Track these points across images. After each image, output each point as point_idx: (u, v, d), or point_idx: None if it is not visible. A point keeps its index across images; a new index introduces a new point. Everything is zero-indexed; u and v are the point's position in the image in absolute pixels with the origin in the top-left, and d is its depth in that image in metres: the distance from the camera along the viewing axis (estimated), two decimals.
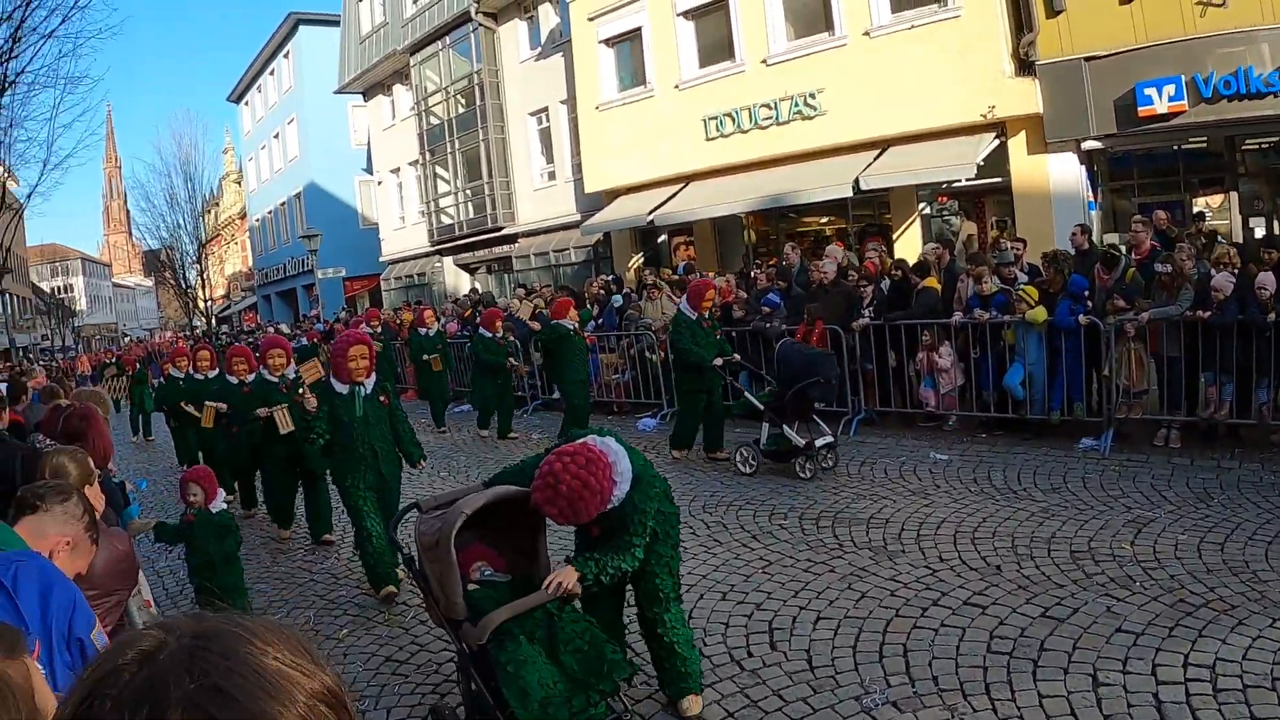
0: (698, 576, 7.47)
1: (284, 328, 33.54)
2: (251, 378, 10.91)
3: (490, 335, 15.46)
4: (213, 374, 13.02)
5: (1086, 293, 10.92)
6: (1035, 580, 6.70)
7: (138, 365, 24.66)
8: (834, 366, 11.02)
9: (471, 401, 17.85)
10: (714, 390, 11.84)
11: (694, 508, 9.54)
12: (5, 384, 12.96)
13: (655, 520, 5.02)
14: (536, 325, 16.43)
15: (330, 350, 8.06)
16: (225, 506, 7.64)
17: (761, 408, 10.93)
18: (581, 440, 4.85)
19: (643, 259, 24.96)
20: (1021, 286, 11.39)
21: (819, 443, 10.47)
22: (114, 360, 33.99)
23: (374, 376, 8.03)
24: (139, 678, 1.05)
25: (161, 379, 15.96)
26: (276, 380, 10.16)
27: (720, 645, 6.20)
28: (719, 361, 11.27)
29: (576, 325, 14.35)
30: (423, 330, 17.66)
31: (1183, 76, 15.04)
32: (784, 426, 10.53)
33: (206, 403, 11.70)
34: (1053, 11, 16.43)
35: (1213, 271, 10.42)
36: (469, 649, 4.93)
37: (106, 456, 6.23)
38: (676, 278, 18.00)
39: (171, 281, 68.16)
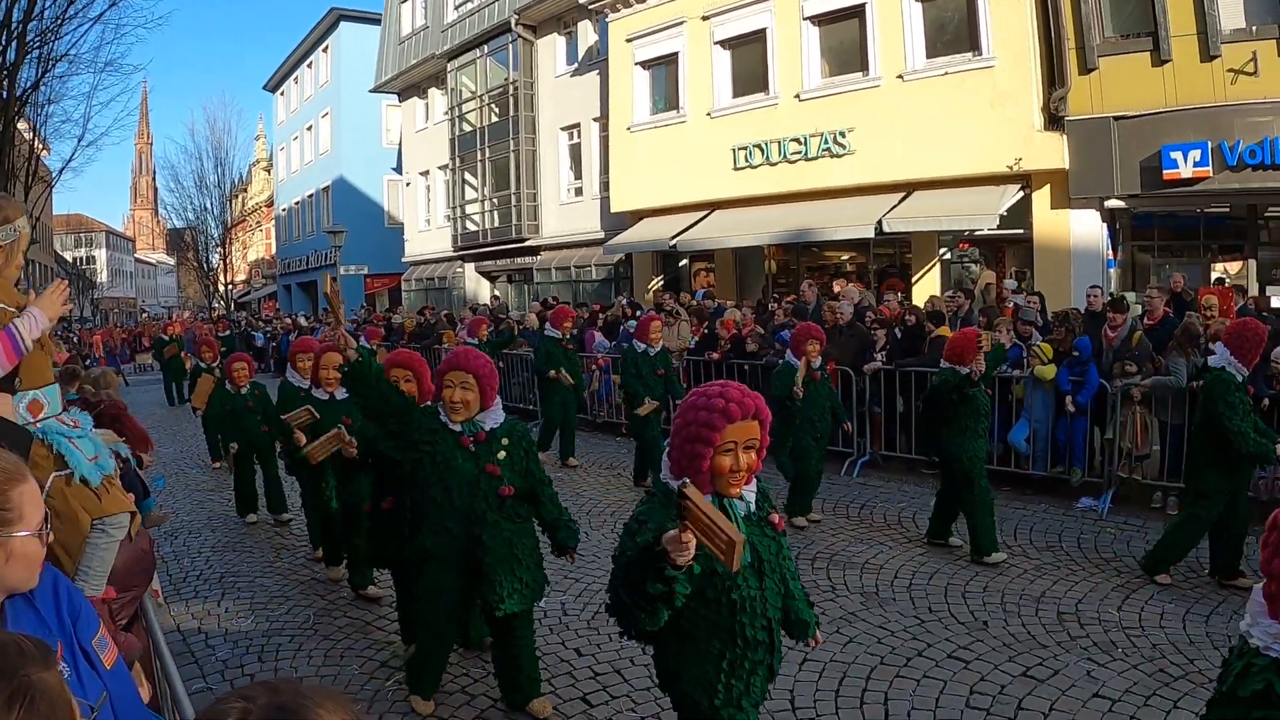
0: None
1: (302, 319, 33.70)
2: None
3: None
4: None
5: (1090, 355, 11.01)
6: (1020, 638, 6.78)
7: (220, 354, 16.00)
8: None
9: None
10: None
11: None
12: None
13: None
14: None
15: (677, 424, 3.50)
16: None
17: None
18: None
19: (662, 282, 25.14)
20: (1038, 343, 11.51)
21: None
22: (175, 339, 25.72)
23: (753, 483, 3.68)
24: None
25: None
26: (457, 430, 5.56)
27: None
28: None
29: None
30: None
31: (1209, 142, 15.26)
32: None
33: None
34: (1086, 68, 16.63)
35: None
36: None
37: (145, 446, 6.39)
38: (695, 303, 18.15)
39: (194, 262, 68.84)
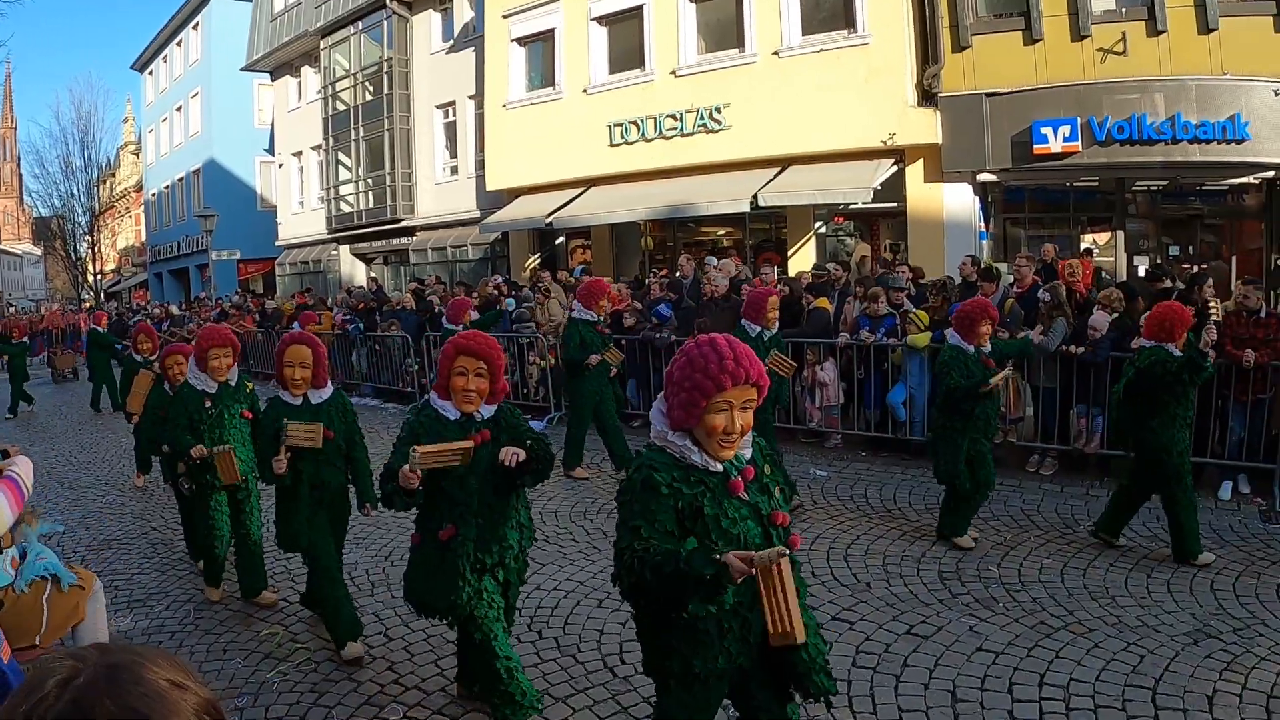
0: (575, 583, 7.46)
1: (173, 308, 32.90)
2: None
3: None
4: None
5: None
6: (903, 598, 6.82)
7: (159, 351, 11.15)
8: None
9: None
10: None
11: (574, 514, 9.53)
12: None
13: None
14: None
15: None
16: None
17: None
18: None
19: (539, 260, 24.98)
20: (914, 310, 11.65)
21: None
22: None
23: None
24: (64, 699, 1.25)
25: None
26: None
27: (595, 652, 6.19)
28: None
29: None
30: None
31: (1078, 119, 15.56)
32: None
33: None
34: (959, 46, 16.87)
35: (1095, 309, 10.68)
36: None
37: None
38: (572, 280, 18.02)
39: (61, 252, 66.43)
